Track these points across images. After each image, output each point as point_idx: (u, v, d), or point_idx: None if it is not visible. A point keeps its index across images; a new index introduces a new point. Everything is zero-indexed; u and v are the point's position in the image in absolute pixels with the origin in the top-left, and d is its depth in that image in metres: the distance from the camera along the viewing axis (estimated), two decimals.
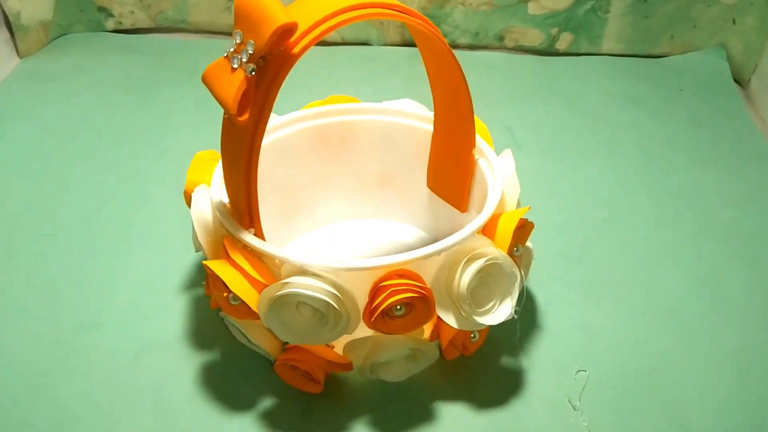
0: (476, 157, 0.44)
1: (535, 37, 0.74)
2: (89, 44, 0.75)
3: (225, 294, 0.37)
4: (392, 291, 0.35)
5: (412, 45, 0.76)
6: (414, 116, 0.48)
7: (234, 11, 0.32)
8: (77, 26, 0.75)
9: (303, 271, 0.35)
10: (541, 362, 0.43)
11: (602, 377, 0.42)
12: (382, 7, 0.35)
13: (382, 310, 0.35)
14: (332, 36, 0.75)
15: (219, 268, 0.36)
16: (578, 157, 0.61)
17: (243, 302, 0.37)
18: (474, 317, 0.37)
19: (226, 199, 0.39)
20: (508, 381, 0.42)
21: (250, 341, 0.40)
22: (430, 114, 0.47)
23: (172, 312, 0.46)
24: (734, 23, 0.71)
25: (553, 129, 0.65)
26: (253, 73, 0.32)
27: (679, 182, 0.58)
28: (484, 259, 0.37)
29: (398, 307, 0.36)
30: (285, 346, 0.40)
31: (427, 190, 0.50)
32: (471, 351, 0.42)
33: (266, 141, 0.47)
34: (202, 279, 0.48)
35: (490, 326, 0.42)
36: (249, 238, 0.37)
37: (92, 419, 0.40)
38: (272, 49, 0.32)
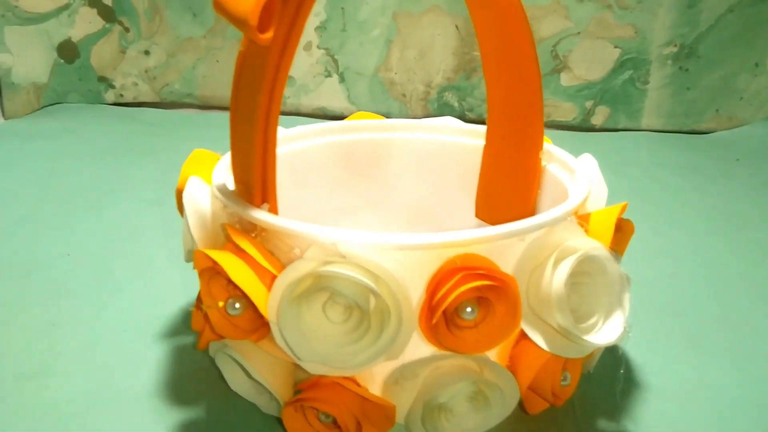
0: (544, 162, 0.36)
1: (568, 112, 0.69)
2: (85, 113, 0.69)
3: (222, 302, 0.27)
4: (462, 277, 0.25)
5: None
6: (458, 131, 0.40)
7: None
8: (73, 95, 0.69)
9: (337, 255, 0.25)
10: (652, 427, 0.31)
11: None
12: None
13: (446, 310, 0.25)
14: (350, 109, 0.70)
15: (219, 256, 0.26)
16: (645, 218, 0.52)
17: (248, 305, 0.26)
18: (575, 333, 0.26)
19: (230, 186, 0.30)
20: None
21: (250, 378, 0.29)
22: (480, 128, 0.39)
23: (145, 361, 0.34)
24: None
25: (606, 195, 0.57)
26: None
27: (762, 238, 0.49)
28: (581, 252, 0.27)
29: (469, 308, 0.25)
30: (300, 387, 0.28)
31: (476, 222, 0.40)
32: (561, 400, 0.30)
33: (283, 149, 0.39)
34: (185, 326, 0.37)
35: (580, 375, 0.31)
36: (261, 214, 0.27)
37: None
38: None
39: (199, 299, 0.29)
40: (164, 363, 0.34)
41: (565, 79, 0.67)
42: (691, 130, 0.69)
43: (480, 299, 0.25)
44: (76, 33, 0.67)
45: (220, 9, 0.25)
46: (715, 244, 0.49)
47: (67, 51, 0.67)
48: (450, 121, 0.41)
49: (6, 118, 0.65)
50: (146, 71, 0.70)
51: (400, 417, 0.28)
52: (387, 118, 0.71)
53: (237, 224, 0.28)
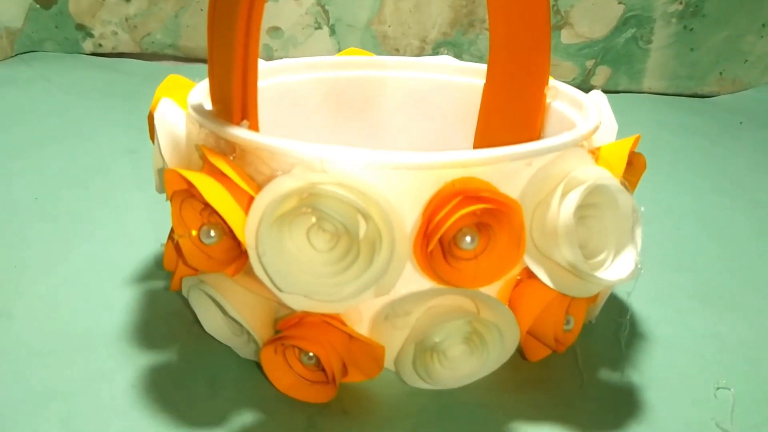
0: (549, 99, 0.33)
1: (568, 71, 0.66)
2: (62, 62, 0.65)
3: (195, 230, 0.24)
4: (462, 200, 0.22)
5: None
6: (457, 70, 0.38)
7: None
8: (50, 43, 0.66)
9: (321, 171, 0.22)
10: (658, 376, 0.29)
11: (749, 393, 0.28)
12: None
13: (443, 238, 0.22)
14: None
15: (193, 177, 0.23)
16: (647, 174, 0.50)
17: (225, 232, 0.23)
18: (583, 269, 0.24)
19: (207, 105, 0.27)
20: (618, 399, 0.27)
21: (227, 315, 0.26)
22: (478, 66, 0.36)
23: (113, 305, 0.32)
24: None
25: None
26: None
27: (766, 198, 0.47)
28: (591, 182, 0.24)
29: (468, 237, 0.23)
30: (281, 325, 0.26)
31: None
32: (565, 346, 0.27)
33: (263, 84, 0.36)
34: (158, 269, 0.34)
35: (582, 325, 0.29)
36: (240, 132, 0.24)
37: None
38: None
39: (171, 231, 0.26)
40: (134, 306, 0.32)
41: (565, 37, 0.64)
42: (693, 93, 0.66)
43: (481, 226, 0.23)
44: None
45: None
46: (719, 202, 0.47)
47: None
48: (447, 60, 0.39)
49: None
50: (126, 20, 0.66)
51: (389, 360, 0.26)
52: None
53: (214, 145, 0.25)
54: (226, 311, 0.26)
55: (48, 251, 0.36)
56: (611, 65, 0.65)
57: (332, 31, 0.65)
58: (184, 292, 0.28)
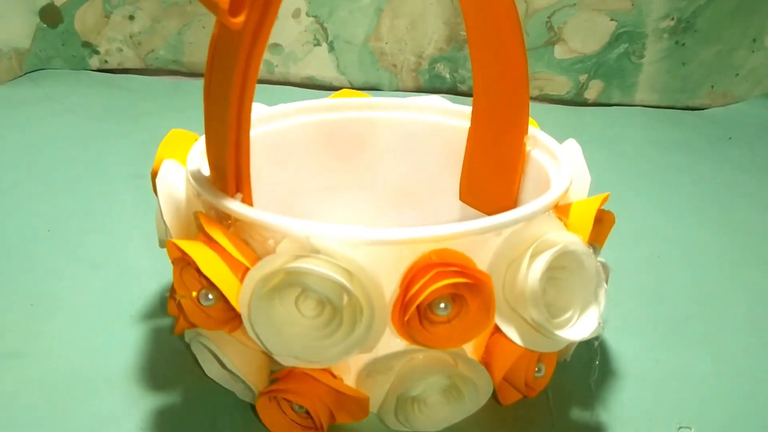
0: (528, 147, 0.35)
1: (562, 85, 0.67)
2: (69, 79, 0.67)
3: (195, 292, 0.27)
4: (436, 274, 0.24)
5: (428, 91, 0.69)
6: (445, 111, 0.39)
7: None
8: (57, 61, 0.68)
9: (310, 248, 0.25)
10: (625, 415, 0.31)
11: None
12: None
13: (420, 306, 0.25)
14: (339, 80, 0.68)
15: (190, 247, 0.26)
16: (631, 196, 0.52)
17: (220, 297, 0.26)
18: (548, 328, 0.26)
19: (205, 170, 0.29)
20: None
21: (224, 368, 0.29)
22: (466, 108, 0.38)
23: (123, 343, 0.34)
24: None
25: (596, 170, 0.56)
26: None
27: (750, 222, 0.49)
28: (558, 247, 0.26)
29: (442, 304, 0.25)
30: (274, 376, 0.28)
31: (460, 206, 0.40)
32: (535, 392, 0.30)
33: (259, 131, 0.38)
34: (162, 308, 0.37)
35: (556, 363, 0.31)
36: (234, 205, 0.26)
37: None
38: None
39: (173, 287, 0.29)
40: (141, 346, 0.34)
41: (559, 52, 0.66)
42: (685, 106, 0.68)
43: (454, 295, 0.25)
44: None
45: None
46: (698, 226, 0.48)
47: (50, 15, 0.66)
48: (436, 101, 0.40)
49: None
50: (131, 37, 0.68)
51: (373, 407, 0.28)
52: (377, 89, 0.70)
53: (211, 212, 0.28)
54: (224, 364, 0.28)
55: (60, 287, 0.39)
56: (604, 79, 0.66)
57: (331, 48, 0.67)
58: (187, 339, 0.30)
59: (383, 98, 0.41)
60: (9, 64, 0.64)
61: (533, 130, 0.35)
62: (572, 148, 0.34)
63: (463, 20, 0.33)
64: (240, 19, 0.24)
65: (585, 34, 0.64)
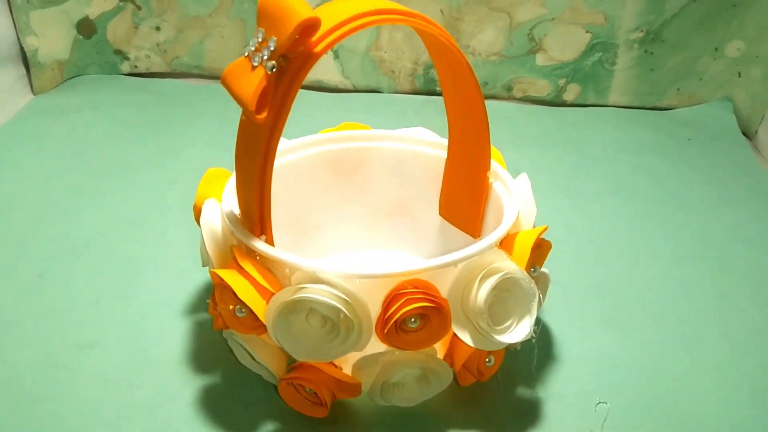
0: (491, 180, 0.44)
1: (543, 88, 0.75)
2: (103, 85, 0.76)
3: (231, 306, 0.36)
4: (407, 300, 0.34)
5: (423, 93, 0.77)
6: (427, 143, 0.48)
7: (258, 9, 0.32)
8: (92, 67, 0.76)
9: (315, 279, 0.34)
10: (558, 393, 0.41)
11: (625, 409, 0.40)
12: (402, 14, 0.35)
13: (396, 321, 0.34)
14: (344, 83, 0.76)
15: (227, 276, 0.35)
16: (591, 198, 0.61)
17: (250, 312, 0.35)
18: (491, 335, 0.36)
19: (237, 210, 0.39)
20: (524, 411, 0.40)
21: (254, 360, 0.38)
22: (444, 141, 0.46)
23: (173, 334, 0.44)
24: (740, 76, 0.72)
25: (564, 171, 0.65)
26: (274, 70, 0.32)
27: (694, 222, 0.58)
28: (501, 274, 0.35)
29: (413, 319, 0.34)
30: (290, 366, 0.38)
31: (440, 219, 0.49)
32: (486, 377, 0.39)
33: (277, 163, 0.47)
34: (206, 302, 0.47)
35: (506, 353, 0.41)
36: (259, 245, 0.36)
37: None
38: (294, 47, 0.32)
39: (213, 299, 0.38)
40: (188, 336, 0.44)
41: (540, 60, 0.73)
42: (653, 107, 0.75)
43: (421, 314, 0.34)
44: (93, 11, 0.73)
45: (229, 90, 0.33)
46: (647, 226, 0.57)
47: (86, 28, 0.74)
48: (421, 133, 0.49)
49: (35, 93, 0.72)
50: (158, 45, 0.76)
51: (365, 389, 0.38)
52: (377, 92, 0.78)
53: (243, 247, 0.37)
54: (253, 357, 0.38)
55: (118, 286, 0.48)
56: (581, 83, 0.74)
57: (336, 56, 0.75)
58: (224, 336, 0.40)
59: (377, 131, 0.49)
60: (52, 74, 0.73)
61: (495, 165, 0.44)
62: (523, 182, 0.43)
63: (441, 89, 0.41)
64: (263, 116, 0.32)
65: (563, 45, 0.72)
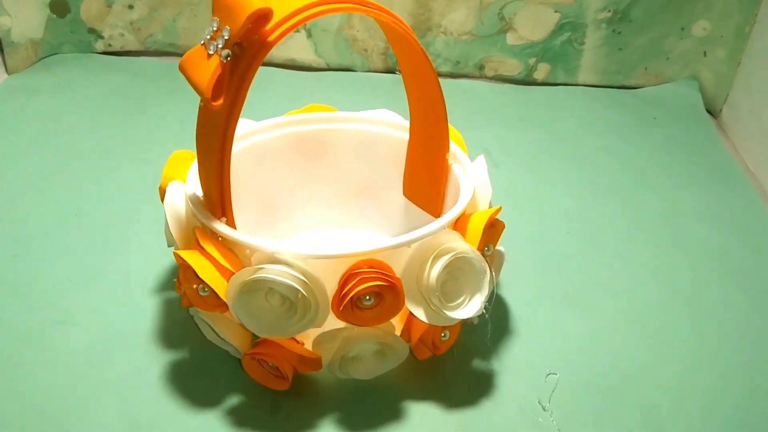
0: (450, 162, 0.45)
1: (513, 67, 0.76)
2: (78, 64, 0.76)
3: (195, 285, 0.37)
4: (361, 279, 0.35)
5: (395, 72, 0.78)
6: (390, 125, 0.49)
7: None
8: (67, 46, 0.76)
9: (273, 259, 0.35)
10: (512, 365, 0.43)
11: (573, 380, 0.42)
12: (356, 3, 0.36)
13: (351, 299, 0.35)
14: (317, 62, 0.77)
15: (189, 257, 0.36)
16: (555, 177, 0.62)
17: (212, 292, 0.36)
18: (443, 311, 0.37)
19: (200, 193, 0.40)
20: (478, 382, 0.42)
21: (219, 336, 0.40)
22: (407, 123, 0.48)
23: (143, 312, 0.46)
24: (705, 55, 0.74)
25: (530, 151, 0.66)
26: (228, 58, 0.33)
27: (654, 201, 0.59)
28: (453, 253, 0.37)
29: (367, 297, 0.36)
30: (254, 341, 0.40)
31: (404, 199, 0.50)
32: (442, 350, 0.41)
33: (243, 144, 0.48)
34: (173, 281, 0.48)
35: (462, 327, 0.42)
36: (220, 227, 0.37)
37: (57, 411, 0.39)
38: (248, 36, 0.33)
39: (178, 279, 0.40)
40: (157, 314, 0.46)
41: (510, 39, 0.74)
42: (621, 86, 0.77)
43: (375, 293, 0.36)
44: None
45: (186, 77, 0.34)
46: (607, 205, 0.59)
47: (59, 7, 0.74)
48: (385, 115, 0.50)
49: (9, 73, 0.73)
50: (131, 23, 0.76)
51: (324, 363, 0.39)
52: (351, 70, 0.78)
53: (205, 229, 0.38)
54: (218, 333, 0.39)
55: (90, 265, 0.50)
56: (550, 62, 0.75)
57: (309, 35, 0.75)
58: (191, 313, 0.42)
59: (341, 113, 0.50)
60: (26, 54, 0.73)
61: (454, 147, 0.45)
62: (479, 164, 0.44)
63: (402, 79, 0.43)
64: (219, 102, 0.34)
65: (533, 24, 0.73)
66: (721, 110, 0.74)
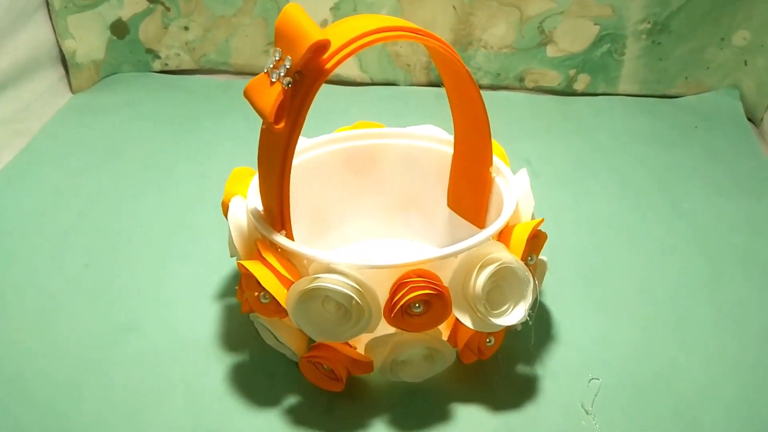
0: (493, 175, 0.47)
1: (553, 78, 0.78)
2: (137, 83, 0.81)
3: (256, 293, 0.40)
4: (411, 288, 0.38)
5: (437, 86, 0.80)
6: (435, 139, 0.52)
7: (275, 31, 0.36)
8: (126, 66, 0.81)
9: (329, 269, 0.38)
10: (555, 370, 0.45)
11: (614, 384, 0.44)
12: (406, 30, 0.39)
13: (402, 307, 0.38)
14: (361, 77, 0.80)
15: (252, 266, 0.39)
16: (595, 187, 0.64)
17: (273, 299, 0.39)
18: (489, 318, 0.39)
19: (260, 207, 0.43)
20: (522, 386, 0.44)
21: (277, 340, 0.43)
22: (451, 137, 0.50)
23: (206, 317, 0.49)
24: (746, 64, 0.74)
25: (570, 161, 0.68)
26: (290, 85, 0.36)
27: (695, 210, 0.60)
28: (498, 263, 0.39)
29: (417, 304, 0.38)
30: (310, 345, 0.42)
31: (448, 210, 0.52)
32: (487, 355, 0.43)
33: (297, 161, 0.51)
34: (234, 288, 0.51)
35: (506, 333, 0.45)
36: (280, 239, 0.40)
37: (130, 409, 0.42)
38: (307, 64, 0.36)
39: (240, 286, 0.43)
40: (219, 319, 0.49)
41: (550, 51, 0.76)
42: (662, 95, 0.77)
43: (424, 300, 0.38)
44: (125, 13, 0.78)
45: (250, 103, 0.37)
46: (647, 214, 0.60)
47: (119, 29, 0.78)
48: (430, 130, 0.53)
49: (74, 92, 0.78)
50: (186, 44, 0.81)
51: (376, 366, 0.42)
52: (394, 84, 0.81)
53: (266, 240, 0.41)
54: (277, 337, 0.42)
55: (157, 275, 0.53)
56: (590, 73, 0.77)
57: None
58: (251, 318, 0.45)
59: (389, 129, 0.53)
60: (89, 74, 0.78)
61: (497, 161, 0.47)
62: (522, 177, 0.46)
63: (447, 97, 0.45)
64: (281, 126, 0.36)
65: (573, 37, 0.74)
66: (762, 119, 0.74)
